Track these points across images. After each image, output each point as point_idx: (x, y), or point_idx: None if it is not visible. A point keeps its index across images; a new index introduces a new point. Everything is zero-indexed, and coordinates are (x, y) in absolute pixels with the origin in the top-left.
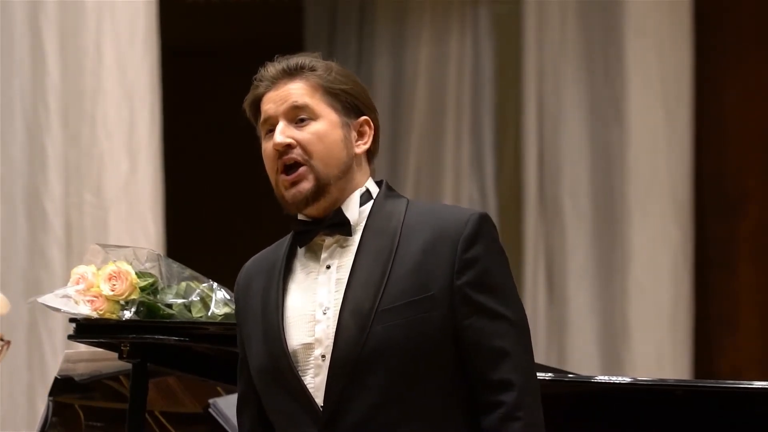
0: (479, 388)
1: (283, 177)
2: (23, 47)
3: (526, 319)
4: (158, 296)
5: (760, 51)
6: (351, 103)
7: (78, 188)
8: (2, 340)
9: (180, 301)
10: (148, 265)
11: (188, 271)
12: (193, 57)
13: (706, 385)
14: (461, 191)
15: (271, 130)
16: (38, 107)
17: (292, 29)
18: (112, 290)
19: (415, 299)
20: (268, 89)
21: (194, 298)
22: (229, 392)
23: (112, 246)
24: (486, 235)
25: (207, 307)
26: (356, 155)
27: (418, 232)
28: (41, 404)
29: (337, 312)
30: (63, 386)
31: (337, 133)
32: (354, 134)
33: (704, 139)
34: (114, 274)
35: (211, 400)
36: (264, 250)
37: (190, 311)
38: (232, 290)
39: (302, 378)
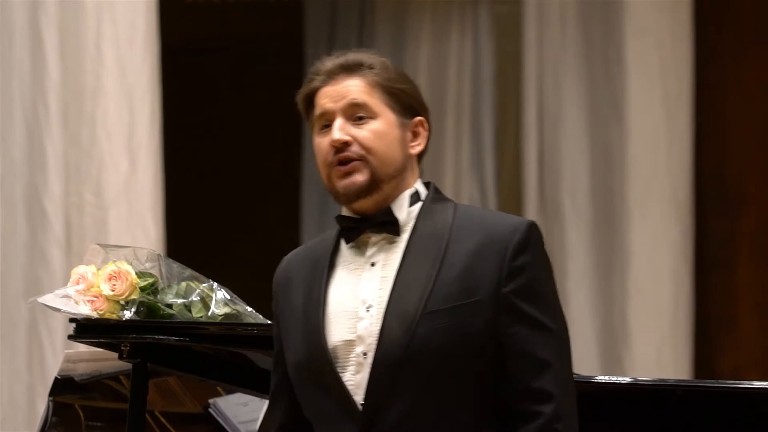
0: (519, 396)
1: (337, 168)
2: (23, 47)
3: (567, 329)
4: (158, 296)
5: (760, 50)
6: (407, 103)
7: (78, 188)
8: None
9: (180, 301)
10: (148, 265)
11: (188, 271)
12: (193, 57)
13: (706, 385)
14: (461, 191)
15: (327, 125)
16: (38, 107)
17: (292, 29)
18: (112, 290)
19: (460, 304)
20: (324, 83)
21: (194, 298)
22: (229, 392)
23: (112, 246)
24: (535, 244)
25: (207, 307)
26: (410, 156)
27: (466, 237)
28: (41, 404)
29: (381, 310)
30: (63, 386)
31: (395, 133)
32: (409, 135)
33: (704, 139)
34: (114, 274)
35: (211, 400)
36: (305, 245)
37: (190, 311)
38: (232, 290)
39: (342, 375)
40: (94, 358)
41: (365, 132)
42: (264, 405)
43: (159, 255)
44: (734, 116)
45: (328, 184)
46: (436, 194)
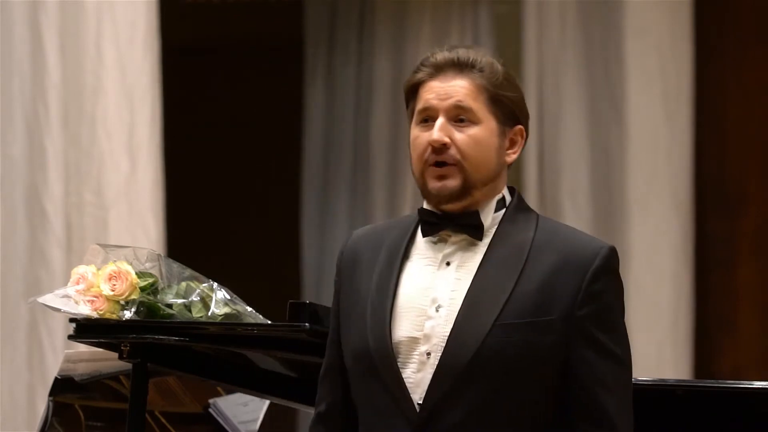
0: (581, 420)
1: (432, 169)
2: (23, 47)
3: (631, 358)
4: (158, 296)
5: (760, 50)
6: (511, 111)
7: (78, 188)
8: None
9: (180, 301)
10: (148, 265)
11: (188, 271)
12: (193, 57)
13: (706, 385)
14: None
15: (426, 120)
16: (38, 107)
17: (292, 29)
18: (112, 290)
19: (534, 320)
20: (431, 77)
21: (194, 298)
22: (229, 392)
23: (112, 246)
24: (613, 271)
25: (207, 307)
26: (504, 164)
27: (547, 252)
28: (41, 404)
29: (453, 313)
30: (63, 386)
31: (494, 141)
32: (507, 143)
33: (704, 138)
34: (114, 274)
35: (211, 400)
36: (374, 225)
37: (190, 311)
38: (232, 290)
39: (402, 371)
40: (94, 358)
41: (465, 137)
42: (264, 405)
43: (159, 255)
44: (734, 116)
45: (419, 180)
46: (519, 202)
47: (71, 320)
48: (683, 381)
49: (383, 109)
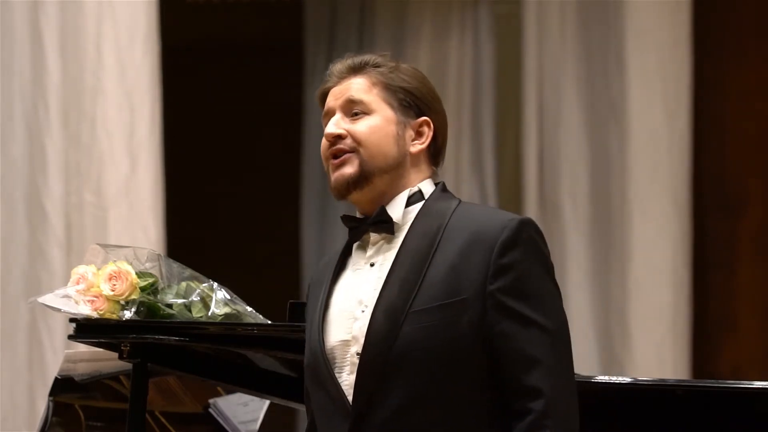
0: (510, 395)
1: (331, 162)
2: (23, 47)
3: (565, 327)
4: (158, 296)
5: (760, 50)
6: (410, 102)
7: (78, 188)
8: None
9: (180, 301)
10: (148, 265)
11: (188, 271)
12: (193, 57)
13: (706, 385)
14: (461, 191)
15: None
16: (38, 107)
17: (291, 29)
18: (113, 290)
19: (446, 302)
20: (335, 84)
21: (194, 298)
22: (229, 392)
23: (112, 246)
24: (526, 240)
25: (207, 307)
26: (411, 154)
27: (457, 235)
28: (41, 404)
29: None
30: (63, 386)
31: (390, 129)
32: (411, 133)
33: (704, 139)
34: (114, 274)
35: (211, 400)
36: (340, 246)
37: (190, 311)
38: (232, 290)
39: (339, 375)
40: (94, 358)
41: (357, 126)
42: (264, 405)
43: (159, 255)
44: (734, 116)
45: (328, 182)
46: (441, 193)
47: (71, 320)
48: (683, 381)
49: None
